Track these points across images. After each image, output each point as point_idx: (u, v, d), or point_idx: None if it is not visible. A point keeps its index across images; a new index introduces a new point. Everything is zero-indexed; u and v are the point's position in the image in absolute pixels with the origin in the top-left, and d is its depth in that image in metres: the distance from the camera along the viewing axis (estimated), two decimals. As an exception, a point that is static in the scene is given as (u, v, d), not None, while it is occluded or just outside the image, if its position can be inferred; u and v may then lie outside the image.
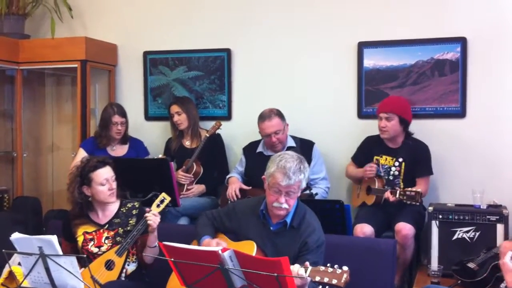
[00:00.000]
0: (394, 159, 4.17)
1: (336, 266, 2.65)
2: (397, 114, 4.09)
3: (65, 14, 5.22)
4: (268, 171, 2.96)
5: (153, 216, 3.15)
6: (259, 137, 4.44)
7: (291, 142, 4.34)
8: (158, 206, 3.27)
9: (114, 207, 3.38)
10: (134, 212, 3.37)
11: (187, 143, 4.70)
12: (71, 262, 2.65)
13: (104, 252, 3.22)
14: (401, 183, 4.14)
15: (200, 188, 4.54)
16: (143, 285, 3.25)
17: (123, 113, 4.55)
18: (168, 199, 3.31)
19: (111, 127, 4.48)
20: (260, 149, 4.40)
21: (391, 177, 4.17)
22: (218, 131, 4.63)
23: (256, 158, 4.30)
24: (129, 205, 3.41)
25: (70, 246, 3.35)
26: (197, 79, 5.03)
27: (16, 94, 5.06)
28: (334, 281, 2.59)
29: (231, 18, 4.92)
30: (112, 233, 3.29)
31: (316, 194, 4.03)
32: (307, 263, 2.70)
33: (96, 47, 4.97)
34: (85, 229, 3.32)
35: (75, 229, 3.33)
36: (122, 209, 3.38)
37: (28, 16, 5.22)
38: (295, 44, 4.75)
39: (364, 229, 3.88)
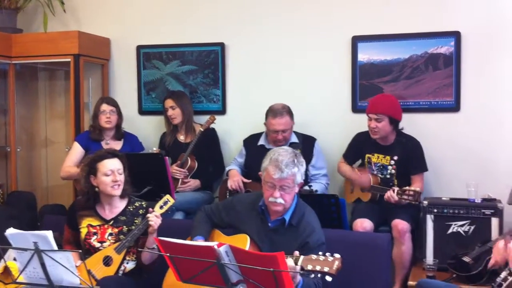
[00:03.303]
0: (388, 157, 4.12)
1: (328, 254, 2.63)
2: (387, 115, 4.02)
3: (58, 8, 5.18)
4: (263, 166, 2.96)
5: (155, 217, 3.13)
6: (254, 131, 4.43)
7: (294, 138, 4.34)
8: (161, 207, 3.24)
9: (121, 204, 3.35)
10: (141, 211, 3.34)
11: (181, 137, 4.69)
12: (66, 257, 2.65)
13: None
14: (395, 180, 4.12)
15: (196, 182, 4.52)
16: (140, 281, 3.23)
17: (111, 102, 4.54)
18: (172, 201, 3.26)
19: (100, 116, 4.48)
20: (262, 141, 4.40)
21: (387, 176, 4.14)
22: (212, 126, 4.61)
23: (257, 151, 4.26)
24: (136, 204, 3.38)
25: (72, 234, 3.35)
26: (191, 73, 5.01)
27: (9, 89, 5.02)
28: (326, 269, 2.57)
29: (225, 12, 4.90)
30: (116, 230, 3.26)
31: (316, 191, 4.02)
32: (297, 252, 2.69)
33: (89, 41, 4.93)
34: (90, 221, 3.30)
35: (80, 220, 3.32)
36: (129, 207, 3.35)
37: (20, 10, 5.17)
38: (289, 38, 4.74)
39: (364, 224, 3.87)
